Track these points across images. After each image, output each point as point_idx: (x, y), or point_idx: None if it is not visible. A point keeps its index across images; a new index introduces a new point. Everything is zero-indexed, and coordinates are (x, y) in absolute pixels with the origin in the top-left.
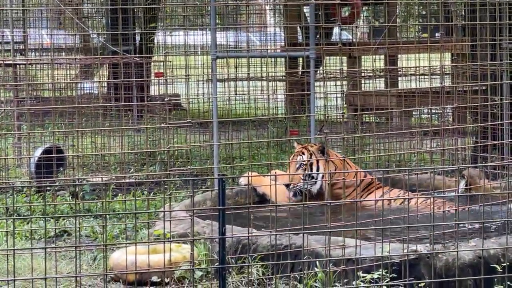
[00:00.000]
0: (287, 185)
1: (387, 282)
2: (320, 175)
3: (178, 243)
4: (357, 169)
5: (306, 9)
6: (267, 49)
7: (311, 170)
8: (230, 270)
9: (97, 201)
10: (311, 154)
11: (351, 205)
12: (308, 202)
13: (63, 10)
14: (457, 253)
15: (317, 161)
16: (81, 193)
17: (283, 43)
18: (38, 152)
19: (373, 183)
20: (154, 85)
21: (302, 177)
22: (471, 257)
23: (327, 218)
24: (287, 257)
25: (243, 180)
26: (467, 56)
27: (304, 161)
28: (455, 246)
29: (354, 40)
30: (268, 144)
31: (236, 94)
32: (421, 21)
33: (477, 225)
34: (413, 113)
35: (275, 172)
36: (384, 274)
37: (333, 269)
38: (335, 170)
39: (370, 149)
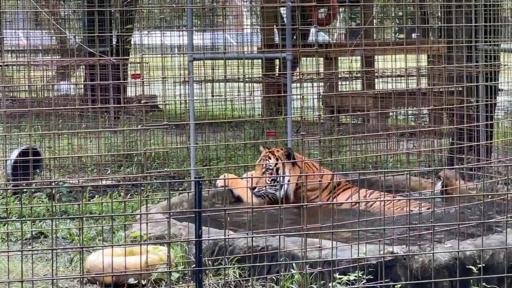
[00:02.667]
0: (253, 188)
1: (363, 283)
2: (286, 179)
3: (155, 245)
4: (323, 172)
5: (283, 10)
6: (243, 51)
7: (277, 174)
8: (207, 272)
9: (73, 203)
10: (277, 159)
11: (322, 207)
12: (284, 205)
13: (39, 11)
14: (433, 254)
15: (283, 165)
16: (58, 194)
17: (260, 44)
18: (14, 154)
19: (340, 184)
20: (131, 86)
21: (268, 181)
22: (447, 258)
23: (303, 220)
24: (263, 259)
25: (219, 182)
26: (443, 58)
27: (270, 165)
28: (431, 248)
29: (331, 41)
30: (245, 146)
31: (213, 95)
32: (397, 22)
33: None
34: (390, 114)
35: (251, 175)
36: (361, 275)
37: (310, 270)
38: (301, 173)
39: (347, 150)
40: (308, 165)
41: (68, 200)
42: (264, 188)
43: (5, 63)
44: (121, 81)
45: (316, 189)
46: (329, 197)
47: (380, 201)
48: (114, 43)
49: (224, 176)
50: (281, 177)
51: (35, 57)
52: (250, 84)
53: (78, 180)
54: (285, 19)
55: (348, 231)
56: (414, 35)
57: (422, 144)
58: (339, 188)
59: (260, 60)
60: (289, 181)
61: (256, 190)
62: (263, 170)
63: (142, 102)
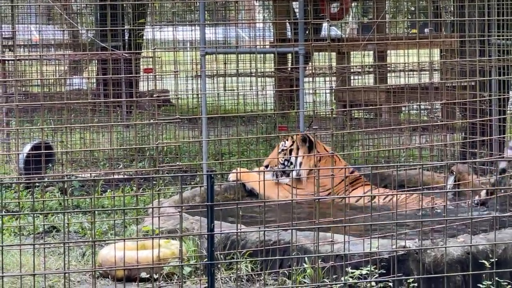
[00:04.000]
0: (266, 166)
1: (376, 278)
2: (299, 160)
3: (167, 239)
4: (345, 165)
5: (295, 5)
6: (256, 46)
7: (290, 155)
8: (219, 266)
9: (85, 197)
10: (293, 142)
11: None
12: (296, 199)
13: (52, 6)
14: (445, 249)
15: (297, 147)
16: (70, 189)
17: (273, 39)
18: (27, 148)
19: (360, 180)
20: (143, 80)
21: (281, 161)
22: (460, 253)
23: (316, 214)
24: (276, 253)
25: (231, 176)
26: (456, 52)
27: (285, 146)
28: (443, 242)
29: (343, 36)
30: (257, 140)
31: (225, 90)
32: (410, 17)
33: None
34: (402, 108)
35: (264, 168)
36: (373, 270)
37: (322, 265)
38: (319, 161)
39: (359, 145)
40: (326, 151)
41: (80, 194)
42: (276, 167)
43: (17, 58)
44: (133, 75)
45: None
46: (344, 189)
47: (393, 195)
48: (126, 37)
49: (236, 170)
50: (294, 157)
51: (47, 51)
52: (262, 78)
53: (90, 174)
54: (297, 14)
55: (360, 225)
56: (426, 30)
57: (435, 138)
58: (357, 183)
59: (272, 55)
60: (301, 163)
61: (269, 168)
62: (279, 151)
63: (154, 96)
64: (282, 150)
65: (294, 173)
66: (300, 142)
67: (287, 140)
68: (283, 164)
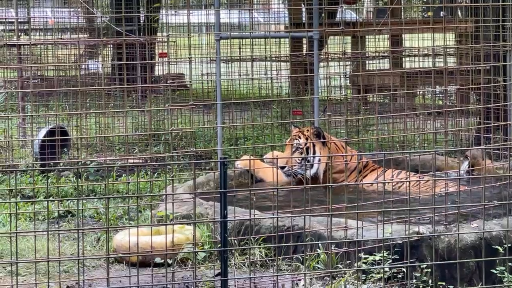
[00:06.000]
0: (282, 167)
1: (389, 263)
2: (317, 159)
3: (181, 224)
4: (352, 153)
5: None
6: (269, 31)
7: (307, 154)
8: (233, 251)
9: (100, 183)
10: (307, 138)
11: (349, 188)
12: (309, 185)
13: None
14: (458, 235)
15: (313, 145)
16: (85, 173)
17: (287, 24)
18: (42, 133)
19: (368, 165)
20: (158, 65)
21: (298, 161)
22: (473, 238)
23: (330, 200)
24: (289, 239)
25: (240, 164)
26: (471, 36)
27: (300, 144)
28: (457, 228)
29: (358, 20)
30: (272, 125)
31: (239, 75)
32: (425, 1)
33: None
34: (417, 93)
35: (277, 156)
36: (386, 255)
37: (335, 250)
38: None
39: (374, 129)
40: (337, 146)
41: (95, 179)
42: (294, 168)
43: (31, 43)
44: (147, 61)
45: (343, 171)
46: (356, 179)
47: (406, 181)
48: (141, 21)
49: (245, 157)
50: (311, 157)
51: (62, 35)
52: (277, 63)
53: (105, 159)
54: None
55: (374, 212)
56: (442, 13)
57: (449, 123)
58: (366, 169)
59: (287, 39)
60: (319, 160)
61: (286, 169)
62: (293, 149)
63: (168, 81)
64: (297, 148)
65: (312, 171)
66: (314, 138)
67: (300, 137)
68: (300, 163)
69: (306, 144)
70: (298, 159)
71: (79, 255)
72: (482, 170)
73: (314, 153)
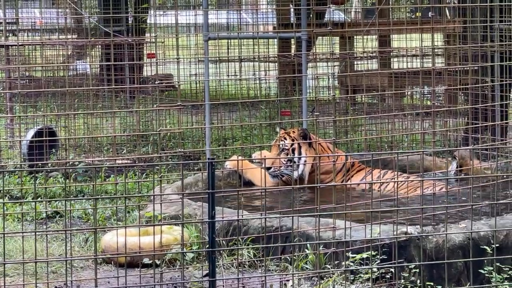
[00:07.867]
0: (268, 168)
1: (377, 263)
2: (302, 160)
3: (169, 225)
4: (338, 154)
5: None
6: (258, 32)
7: (293, 155)
8: (221, 252)
9: (88, 183)
10: (293, 139)
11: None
12: (297, 186)
13: None
14: (446, 235)
15: (299, 146)
16: (73, 174)
17: (275, 24)
18: (30, 134)
19: (354, 165)
20: (147, 65)
21: (284, 162)
22: (461, 238)
23: (317, 201)
24: (278, 239)
25: (229, 164)
26: (458, 37)
27: (286, 145)
28: (445, 228)
29: (346, 20)
30: (260, 125)
31: (228, 75)
32: (413, 1)
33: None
34: (405, 93)
35: (265, 156)
36: (374, 255)
37: (324, 251)
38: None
39: (362, 130)
40: (323, 148)
41: (83, 179)
42: (280, 169)
43: (19, 44)
44: (136, 61)
45: (330, 171)
46: (343, 180)
47: (394, 182)
48: (130, 22)
49: (234, 157)
50: (297, 158)
51: (51, 36)
52: (265, 63)
53: (93, 160)
54: None
55: (361, 212)
56: (430, 14)
57: (437, 123)
58: (353, 170)
59: (275, 40)
60: (305, 161)
61: (271, 170)
62: (279, 151)
63: (156, 82)
64: (283, 150)
65: (298, 172)
66: (300, 139)
67: (286, 138)
68: (286, 164)
69: (292, 145)
70: (284, 160)
71: (67, 256)
72: (470, 171)
73: (300, 154)
